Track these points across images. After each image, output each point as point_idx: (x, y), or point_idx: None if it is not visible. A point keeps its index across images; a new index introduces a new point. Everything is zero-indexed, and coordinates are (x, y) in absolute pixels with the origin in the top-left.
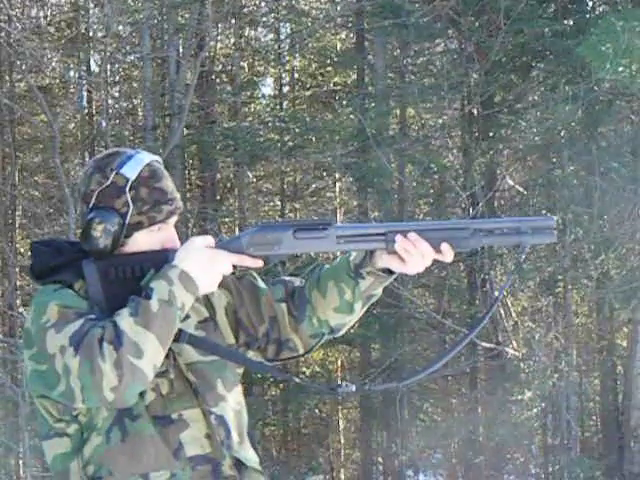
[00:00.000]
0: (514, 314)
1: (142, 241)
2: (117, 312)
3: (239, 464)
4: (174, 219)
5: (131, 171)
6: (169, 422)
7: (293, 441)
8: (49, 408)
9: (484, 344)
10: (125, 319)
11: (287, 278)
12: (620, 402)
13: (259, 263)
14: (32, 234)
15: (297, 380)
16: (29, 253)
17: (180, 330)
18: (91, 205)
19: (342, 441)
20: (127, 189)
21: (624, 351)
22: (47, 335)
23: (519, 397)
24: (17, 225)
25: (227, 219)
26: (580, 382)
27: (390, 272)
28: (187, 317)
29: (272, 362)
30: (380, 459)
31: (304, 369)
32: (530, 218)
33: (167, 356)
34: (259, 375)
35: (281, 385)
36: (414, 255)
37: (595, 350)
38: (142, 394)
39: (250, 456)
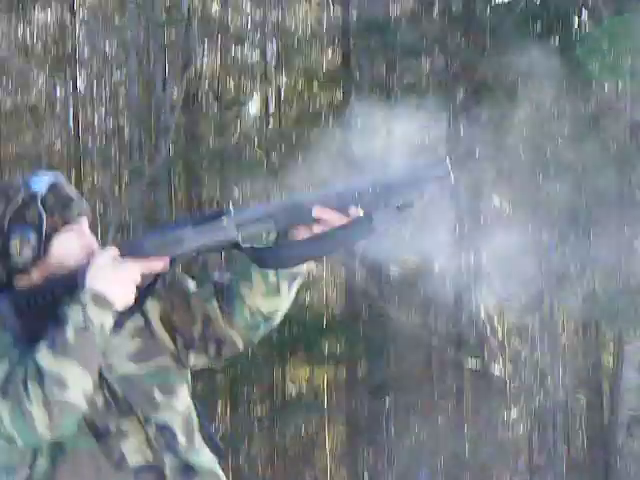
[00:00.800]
0: (500, 333)
1: (62, 247)
2: (35, 347)
3: (187, 468)
4: (86, 222)
5: (38, 185)
6: (107, 433)
7: (279, 460)
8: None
9: (470, 363)
10: (43, 353)
11: (217, 277)
12: (606, 420)
13: (164, 265)
14: None
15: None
16: None
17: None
18: (6, 227)
19: (328, 459)
20: (38, 201)
21: (610, 369)
22: None
23: (505, 416)
24: None
25: None
26: (566, 400)
27: None
28: (122, 327)
29: (216, 360)
30: (367, 477)
31: (290, 388)
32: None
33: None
34: (245, 393)
35: (267, 403)
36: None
37: (581, 368)
38: None
39: (202, 458)
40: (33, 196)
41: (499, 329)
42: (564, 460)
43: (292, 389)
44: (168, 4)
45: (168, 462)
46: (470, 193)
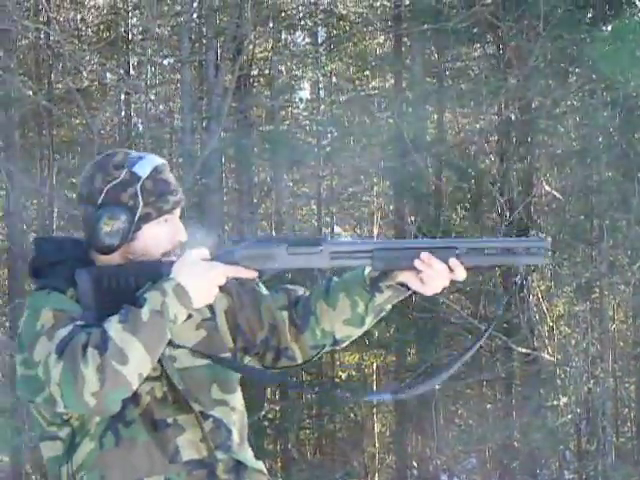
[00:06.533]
0: (550, 319)
1: (150, 234)
2: (107, 319)
3: (239, 465)
4: (178, 211)
5: (142, 170)
6: (165, 426)
7: (328, 445)
8: (42, 411)
9: (520, 349)
10: (113, 325)
11: (290, 287)
12: None
13: (253, 274)
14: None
15: (308, 390)
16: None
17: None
18: (99, 203)
19: (377, 445)
20: (138, 185)
21: None
22: (39, 341)
23: (554, 402)
24: (54, 227)
25: (264, 222)
26: (616, 388)
27: (407, 287)
28: (190, 316)
29: (270, 369)
30: (415, 463)
31: (340, 373)
32: (523, 239)
33: (160, 361)
34: (294, 379)
35: (316, 388)
36: (430, 274)
37: (631, 356)
38: (137, 400)
39: (249, 457)
40: (134, 178)
41: (549, 316)
42: (613, 448)
43: (341, 374)
44: None
45: (220, 458)
46: (520, 179)
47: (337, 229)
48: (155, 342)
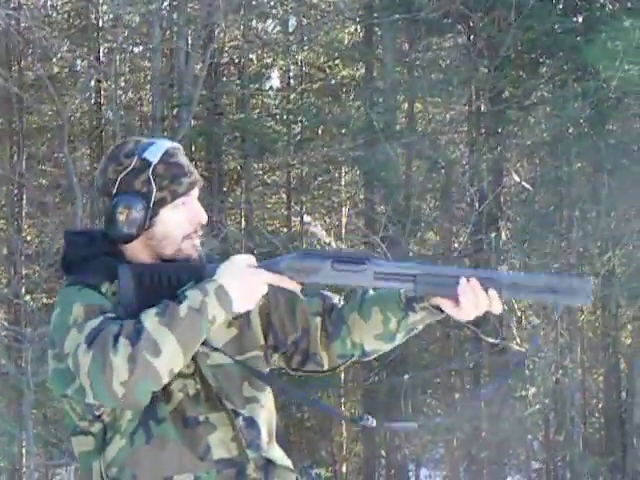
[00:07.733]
0: (518, 310)
1: (169, 218)
2: (144, 311)
3: (268, 464)
4: (196, 192)
5: (153, 155)
6: (196, 424)
7: (296, 434)
8: (74, 406)
9: (489, 339)
10: (150, 317)
11: (327, 293)
12: (624, 399)
13: (296, 286)
14: (39, 223)
15: (319, 405)
16: (62, 243)
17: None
18: (113, 193)
19: (345, 434)
20: (149, 170)
21: (628, 348)
22: (69, 334)
23: (523, 393)
24: (24, 213)
25: (233, 211)
26: (584, 379)
27: (440, 310)
28: None
29: (295, 372)
30: (383, 453)
31: None
32: (567, 278)
33: (194, 358)
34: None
35: (284, 377)
36: (470, 301)
37: (599, 347)
38: (169, 397)
39: (278, 454)
40: (145, 164)
41: (517, 307)
42: (581, 438)
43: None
44: None
45: (251, 457)
46: (490, 169)
47: (307, 218)
48: (190, 339)
